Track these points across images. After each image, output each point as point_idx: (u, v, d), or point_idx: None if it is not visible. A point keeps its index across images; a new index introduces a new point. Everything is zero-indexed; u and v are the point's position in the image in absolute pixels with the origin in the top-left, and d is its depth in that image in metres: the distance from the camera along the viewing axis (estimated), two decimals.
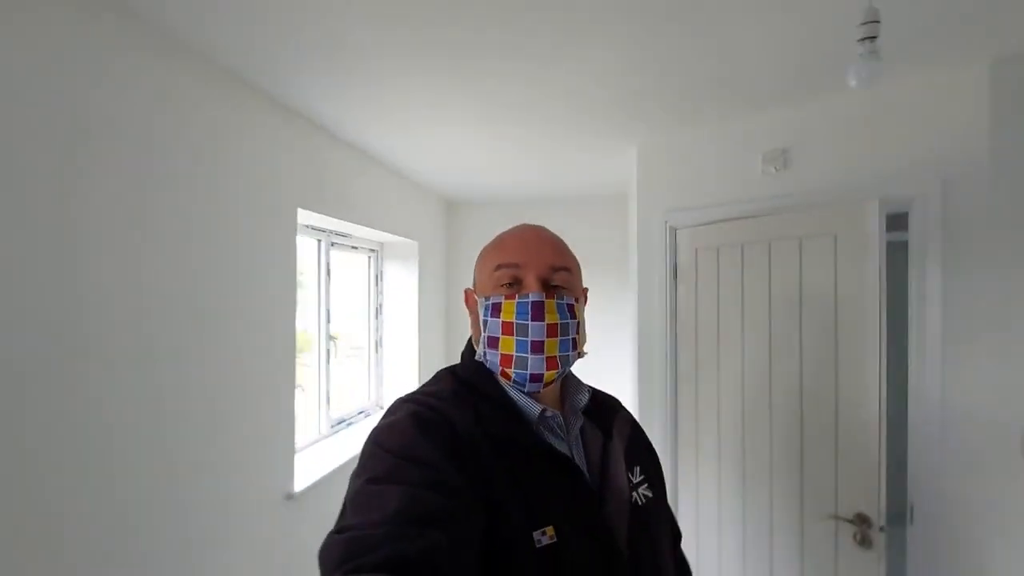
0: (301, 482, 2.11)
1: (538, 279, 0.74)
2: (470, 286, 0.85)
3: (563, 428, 0.77)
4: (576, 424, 0.79)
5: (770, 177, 2.05)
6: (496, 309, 0.75)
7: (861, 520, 1.64)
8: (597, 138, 2.42)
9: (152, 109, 1.44)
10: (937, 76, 1.67)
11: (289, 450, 2.07)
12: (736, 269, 2.05)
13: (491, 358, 0.76)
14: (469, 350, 0.83)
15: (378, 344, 3.44)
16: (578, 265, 0.82)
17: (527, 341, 0.72)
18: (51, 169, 1.18)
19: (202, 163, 1.62)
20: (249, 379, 1.84)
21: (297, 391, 2.16)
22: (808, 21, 1.38)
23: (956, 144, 1.64)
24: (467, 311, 0.85)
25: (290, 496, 2.03)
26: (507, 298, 0.74)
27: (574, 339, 0.76)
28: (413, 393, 0.75)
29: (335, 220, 2.49)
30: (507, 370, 0.74)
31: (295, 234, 2.11)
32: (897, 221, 1.80)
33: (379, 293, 3.49)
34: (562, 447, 0.75)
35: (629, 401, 2.70)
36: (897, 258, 1.79)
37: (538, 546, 0.62)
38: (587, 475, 0.74)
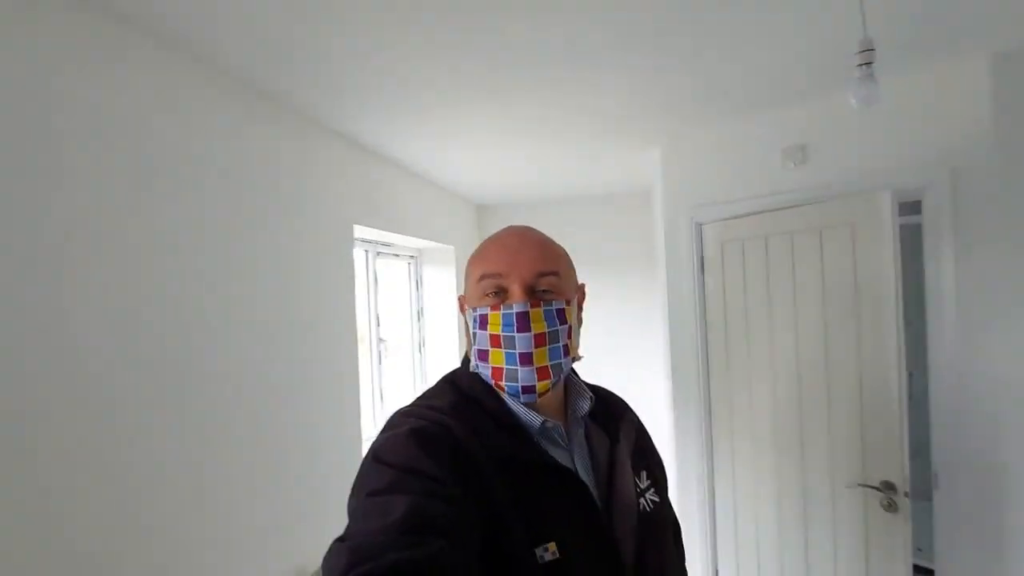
0: None
1: (523, 287, 0.72)
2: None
3: (564, 438, 0.75)
4: (578, 431, 0.78)
5: (790, 172, 2.19)
6: (483, 321, 0.74)
7: (887, 487, 1.78)
8: (621, 141, 2.58)
9: (239, 147, 1.68)
10: (942, 71, 1.79)
11: (356, 439, 2.30)
12: (761, 260, 2.20)
13: (483, 370, 0.75)
14: (468, 360, 0.80)
15: (420, 345, 3.67)
16: (569, 264, 0.79)
17: (515, 353, 0.71)
18: (142, 199, 1.42)
19: (280, 192, 1.86)
20: (322, 379, 2.08)
21: None
22: (818, 23, 1.50)
23: (962, 135, 1.76)
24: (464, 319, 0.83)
25: None
26: (492, 309, 0.73)
27: (565, 345, 0.74)
28: (411, 406, 0.74)
29: (381, 232, 2.72)
30: (499, 383, 0.73)
31: (352, 247, 2.34)
32: (916, 205, 1.92)
33: (419, 297, 3.71)
34: (564, 458, 0.73)
35: (662, 388, 2.87)
36: (916, 240, 1.91)
37: (541, 562, 0.62)
38: (593, 484, 0.73)
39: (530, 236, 0.78)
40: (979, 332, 1.74)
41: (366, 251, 2.96)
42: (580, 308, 0.82)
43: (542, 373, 0.71)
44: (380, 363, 2.98)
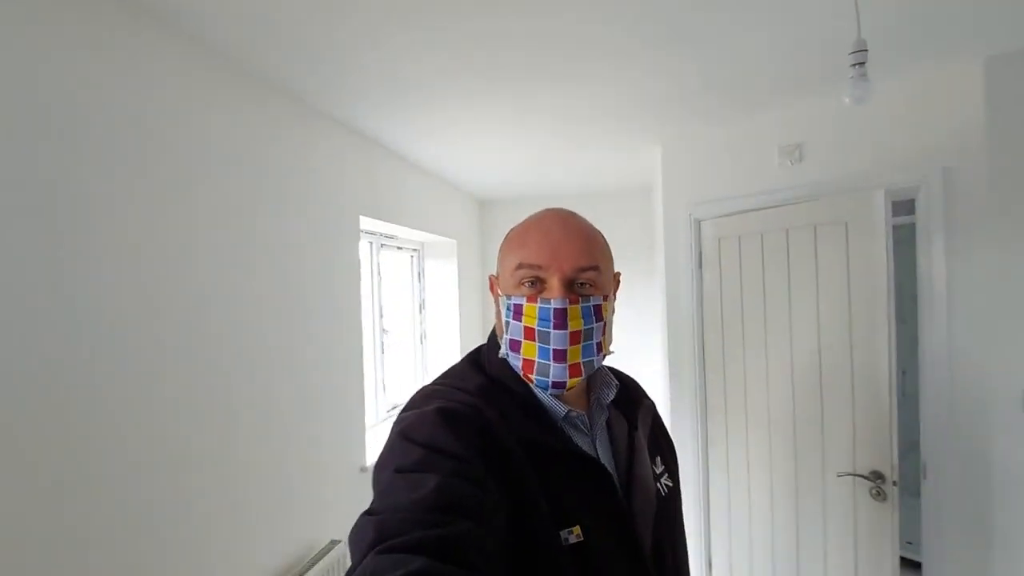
0: (371, 458, 2.40)
1: (563, 282, 0.70)
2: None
3: (587, 426, 0.76)
4: (601, 418, 0.78)
5: (786, 170, 2.24)
6: (518, 311, 0.72)
7: (876, 476, 1.84)
8: (622, 138, 2.63)
9: (247, 139, 1.73)
10: (936, 73, 1.84)
11: (360, 428, 2.35)
12: (757, 256, 2.25)
13: (513, 360, 0.73)
14: (494, 343, 0.79)
15: (423, 337, 3.72)
16: (609, 256, 0.77)
17: (549, 349, 0.70)
18: (155, 189, 1.47)
19: (292, 181, 1.91)
20: (327, 367, 2.13)
21: None
22: (816, 25, 1.54)
23: (955, 136, 1.81)
24: (492, 299, 0.81)
25: (363, 469, 2.31)
26: (529, 300, 0.71)
27: (599, 343, 0.73)
28: (436, 385, 0.75)
29: (386, 223, 2.76)
30: (529, 375, 0.72)
31: (358, 239, 2.39)
32: (909, 206, 1.98)
33: (422, 289, 3.76)
34: (587, 444, 0.74)
35: (659, 379, 2.92)
36: (909, 239, 1.96)
37: (565, 544, 0.64)
38: (614, 469, 0.75)
39: (574, 225, 0.75)
40: (969, 329, 1.79)
41: (370, 242, 3.00)
42: (614, 299, 0.80)
43: (574, 370, 0.70)
44: (383, 353, 3.03)
